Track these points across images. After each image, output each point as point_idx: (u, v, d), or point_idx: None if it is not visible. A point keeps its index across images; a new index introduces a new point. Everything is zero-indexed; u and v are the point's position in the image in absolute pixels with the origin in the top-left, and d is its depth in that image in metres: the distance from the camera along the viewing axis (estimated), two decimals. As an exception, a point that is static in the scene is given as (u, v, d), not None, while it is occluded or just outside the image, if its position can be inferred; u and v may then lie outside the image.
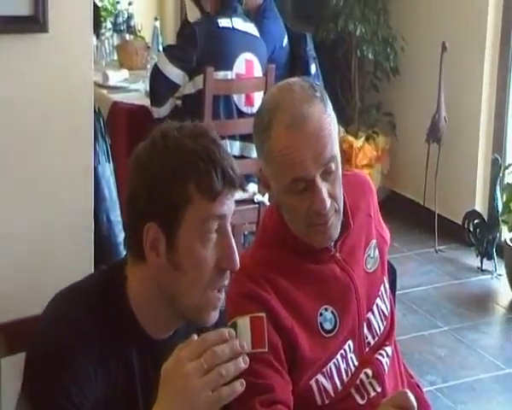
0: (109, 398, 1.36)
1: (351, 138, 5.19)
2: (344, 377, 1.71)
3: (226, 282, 1.42)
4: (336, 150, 1.66)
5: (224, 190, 1.37)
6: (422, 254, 4.68)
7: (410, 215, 5.00)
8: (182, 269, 1.37)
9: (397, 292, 3.81)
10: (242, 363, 1.21)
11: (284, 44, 4.43)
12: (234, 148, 3.83)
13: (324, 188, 1.63)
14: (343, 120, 5.12)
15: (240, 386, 1.21)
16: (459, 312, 4.04)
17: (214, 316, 1.43)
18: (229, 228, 1.40)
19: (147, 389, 1.41)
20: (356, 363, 1.74)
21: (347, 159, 5.06)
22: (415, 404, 1.36)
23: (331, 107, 1.68)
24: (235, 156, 3.53)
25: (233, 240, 1.41)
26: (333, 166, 1.64)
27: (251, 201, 3.77)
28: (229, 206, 1.39)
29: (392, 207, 4.94)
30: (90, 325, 1.36)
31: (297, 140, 1.61)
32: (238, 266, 1.41)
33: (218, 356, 1.21)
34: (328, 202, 1.64)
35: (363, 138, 5.24)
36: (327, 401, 1.69)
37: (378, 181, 5.24)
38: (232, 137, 3.83)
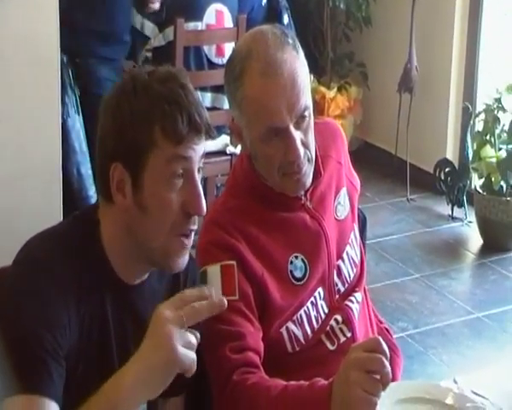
0: (83, 343, 1.37)
1: (323, 89, 5.18)
2: (314, 324, 1.73)
3: (193, 227, 1.43)
4: (309, 99, 1.66)
5: (189, 135, 1.38)
6: (394, 204, 4.72)
7: (382, 165, 5.03)
8: (147, 211, 1.39)
9: (369, 241, 3.85)
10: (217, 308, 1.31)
11: (263, 3, 4.37)
12: (205, 99, 3.81)
13: (298, 137, 1.64)
14: (315, 70, 5.10)
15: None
16: (430, 259, 4.09)
17: (181, 263, 1.44)
18: (196, 174, 1.41)
19: (120, 334, 1.43)
20: (326, 310, 1.76)
21: (320, 110, 5.05)
22: (387, 351, 1.38)
23: (303, 54, 1.68)
24: (206, 108, 3.54)
25: (200, 185, 1.42)
26: (306, 114, 1.65)
27: (223, 152, 3.77)
28: (195, 151, 1.39)
29: (364, 157, 4.96)
30: (65, 270, 1.36)
31: (271, 87, 1.61)
32: (204, 211, 1.42)
33: (197, 311, 1.29)
34: (302, 150, 1.64)
35: (335, 89, 5.23)
36: (297, 348, 1.71)
37: (350, 131, 5.25)
38: (203, 89, 3.80)
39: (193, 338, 1.29)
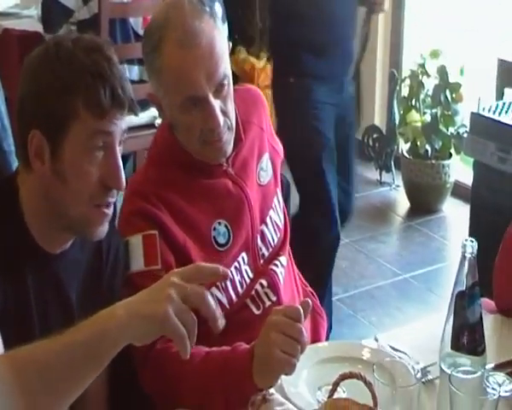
0: (4, 311, 1.35)
1: (252, 59, 5.17)
2: (239, 289, 1.75)
3: (111, 200, 1.43)
4: (228, 67, 1.67)
5: (112, 110, 1.37)
6: (325, 171, 4.76)
7: (312, 133, 5.06)
8: (66, 180, 1.38)
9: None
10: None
11: None
12: (132, 72, 3.77)
13: (217, 105, 1.64)
14: (244, 40, 5.10)
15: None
16: (359, 224, 4.13)
17: (101, 231, 1.44)
18: (117, 148, 1.41)
19: (41, 303, 1.42)
20: (251, 275, 1.78)
21: (249, 80, 5.05)
22: (302, 319, 1.42)
23: (221, 21, 1.68)
24: (133, 81, 3.50)
25: (120, 159, 1.41)
26: (225, 83, 1.65)
27: (152, 125, 3.74)
28: (117, 125, 1.39)
29: (294, 126, 4.99)
30: None
31: (189, 57, 1.61)
32: (123, 185, 1.42)
33: (201, 297, 1.22)
34: (222, 119, 1.65)
35: (264, 59, 5.23)
36: (222, 314, 1.73)
37: (280, 101, 5.26)
38: (130, 62, 3.75)
39: (190, 318, 1.18)
